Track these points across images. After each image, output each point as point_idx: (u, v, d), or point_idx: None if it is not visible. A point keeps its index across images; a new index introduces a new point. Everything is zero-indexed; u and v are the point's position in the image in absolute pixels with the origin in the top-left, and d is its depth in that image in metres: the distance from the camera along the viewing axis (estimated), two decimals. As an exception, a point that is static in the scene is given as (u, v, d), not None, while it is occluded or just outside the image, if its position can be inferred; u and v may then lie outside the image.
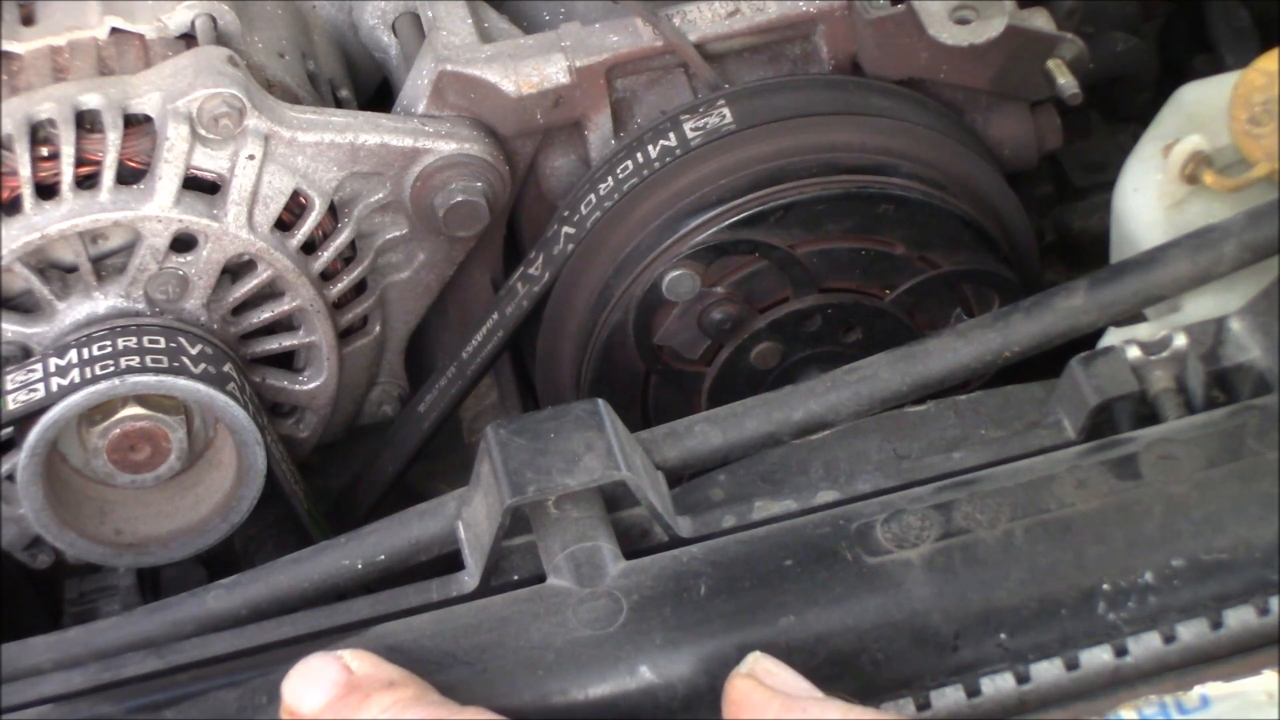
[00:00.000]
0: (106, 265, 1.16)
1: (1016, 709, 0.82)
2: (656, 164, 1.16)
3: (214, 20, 1.22)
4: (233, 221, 1.15)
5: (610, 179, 1.18)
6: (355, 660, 0.79)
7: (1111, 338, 1.05)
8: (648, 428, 0.95)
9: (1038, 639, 0.82)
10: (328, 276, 1.21)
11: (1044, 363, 0.99)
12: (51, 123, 1.13)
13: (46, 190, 1.13)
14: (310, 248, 1.19)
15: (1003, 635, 0.82)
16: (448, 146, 1.18)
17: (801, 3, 1.22)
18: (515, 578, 0.87)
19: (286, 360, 1.24)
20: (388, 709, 0.77)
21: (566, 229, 1.19)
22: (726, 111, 1.17)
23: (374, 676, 0.79)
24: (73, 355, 1.11)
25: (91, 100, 1.13)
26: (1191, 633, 0.82)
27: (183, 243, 1.15)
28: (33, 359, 1.13)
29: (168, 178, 1.13)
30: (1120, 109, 1.47)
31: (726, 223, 1.14)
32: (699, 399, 1.20)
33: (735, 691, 0.77)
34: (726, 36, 1.22)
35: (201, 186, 1.15)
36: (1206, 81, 1.17)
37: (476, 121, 1.20)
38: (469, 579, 0.87)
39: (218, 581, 0.92)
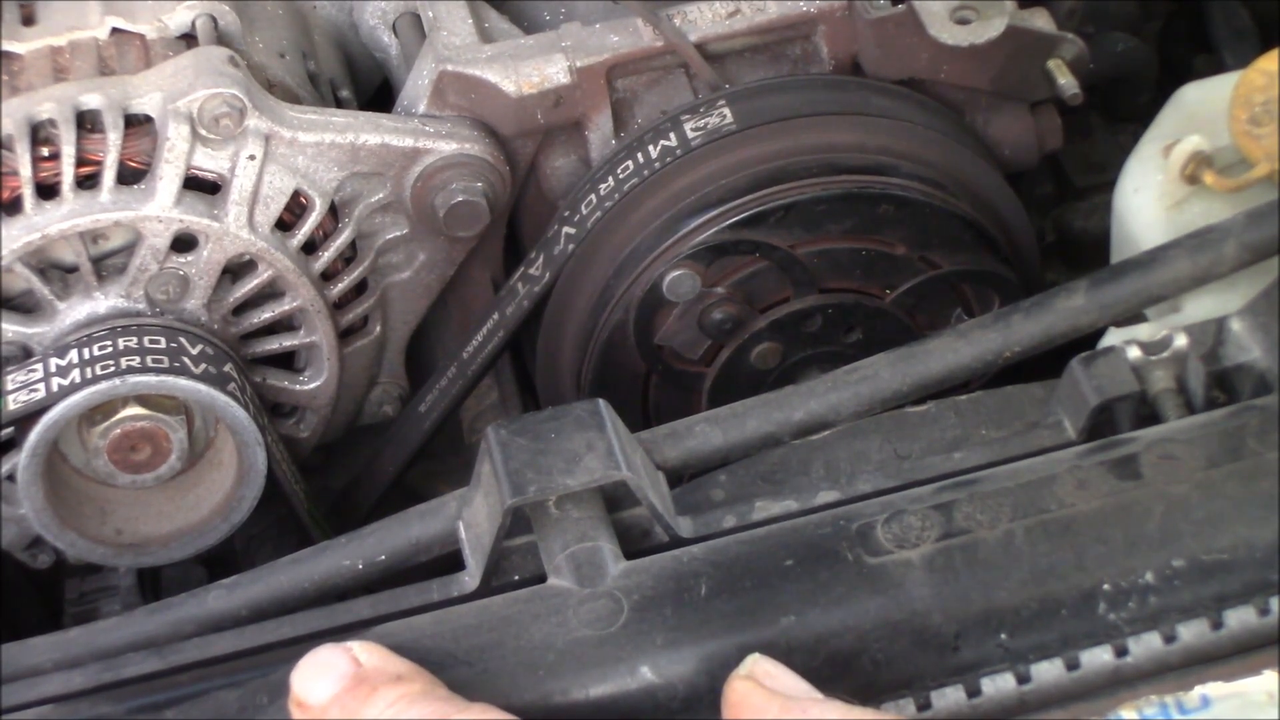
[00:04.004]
0: (107, 265, 1.16)
1: (1017, 709, 0.82)
2: (657, 164, 1.16)
3: (214, 20, 1.22)
4: (233, 222, 1.15)
5: (611, 179, 1.18)
6: (364, 653, 0.79)
7: (1112, 338, 1.05)
8: (648, 428, 0.95)
9: (1038, 639, 0.82)
10: (328, 277, 1.21)
11: (1044, 363, 0.99)
12: (52, 123, 1.13)
13: (47, 190, 1.13)
14: (311, 248, 1.19)
15: (1003, 635, 0.82)
16: (448, 147, 1.18)
17: (802, 3, 1.22)
18: (516, 578, 0.87)
19: (287, 360, 1.24)
20: (394, 703, 0.77)
21: (567, 229, 1.19)
22: (727, 112, 1.17)
23: (382, 670, 0.79)
24: (73, 355, 1.11)
25: (92, 100, 1.14)
26: (1192, 633, 0.82)
27: (183, 243, 1.15)
28: (33, 359, 1.13)
29: (168, 178, 1.13)
30: (1120, 109, 1.47)
31: (727, 223, 1.14)
32: (699, 399, 1.20)
33: (734, 694, 0.77)
34: (727, 36, 1.22)
35: (202, 187, 1.15)
36: (1206, 81, 1.17)
37: (477, 122, 1.20)
38: (469, 579, 0.87)
39: (218, 582, 0.92)
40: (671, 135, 1.17)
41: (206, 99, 1.13)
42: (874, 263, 1.16)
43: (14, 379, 1.11)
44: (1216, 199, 1.08)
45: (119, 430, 1.13)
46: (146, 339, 1.12)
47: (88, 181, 1.13)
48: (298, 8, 1.33)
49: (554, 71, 1.19)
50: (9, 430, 1.12)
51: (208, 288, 1.17)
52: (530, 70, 1.19)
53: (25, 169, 1.12)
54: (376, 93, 1.38)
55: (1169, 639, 0.82)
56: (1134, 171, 1.13)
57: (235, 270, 1.18)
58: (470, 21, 1.24)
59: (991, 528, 0.84)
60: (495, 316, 1.22)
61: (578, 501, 0.86)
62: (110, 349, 1.11)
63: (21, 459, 1.11)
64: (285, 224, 1.18)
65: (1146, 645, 0.82)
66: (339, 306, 1.22)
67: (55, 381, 1.10)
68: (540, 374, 1.25)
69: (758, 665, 0.78)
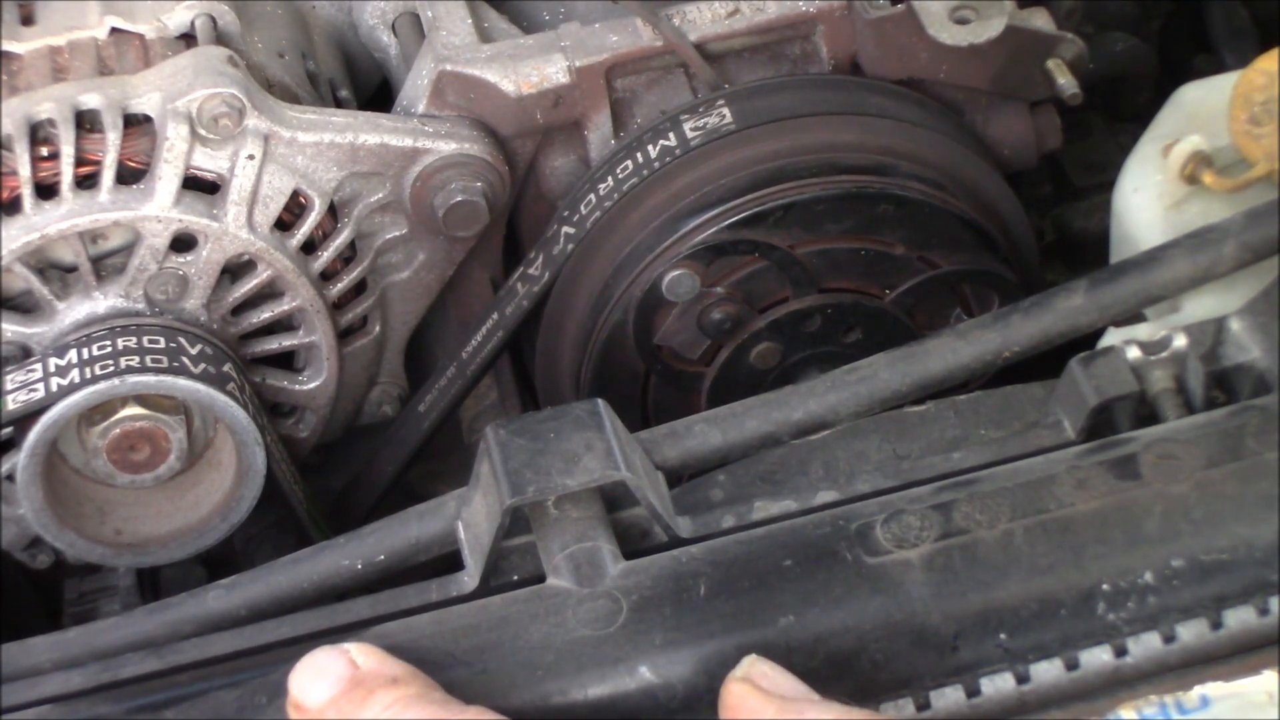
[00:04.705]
0: (106, 265, 1.16)
1: (1016, 709, 0.81)
2: (656, 164, 1.16)
3: (214, 20, 1.22)
4: (232, 221, 1.15)
5: (610, 179, 1.18)
6: (361, 655, 0.80)
7: (1111, 338, 1.05)
8: (647, 428, 0.95)
9: (1037, 639, 0.82)
10: (327, 276, 1.21)
11: (1044, 363, 0.99)
12: (51, 123, 1.13)
13: (46, 190, 1.13)
14: (310, 248, 1.19)
15: (1002, 635, 0.82)
16: (447, 146, 1.18)
17: (801, 3, 1.22)
18: (515, 578, 0.87)
19: (286, 360, 1.24)
20: (390, 706, 0.77)
21: (566, 229, 1.19)
22: (726, 111, 1.17)
23: (378, 672, 0.79)
24: (72, 355, 1.11)
25: (91, 100, 1.13)
26: (1191, 633, 0.82)
27: (182, 243, 1.15)
28: (32, 359, 1.13)
29: (167, 178, 1.13)
30: (1120, 109, 1.47)
31: (726, 223, 1.14)
32: (699, 399, 1.20)
33: (731, 696, 0.78)
34: (726, 36, 1.22)
35: (201, 186, 1.15)
36: (1206, 81, 1.17)
37: (476, 121, 1.20)
38: (469, 579, 0.87)
39: (217, 582, 0.92)
40: (671, 135, 1.17)
41: (205, 99, 1.13)
42: (873, 262, 1.16)
43: (13, 379, 1.11)
44: (1216, 199, 1.08)
45: (118, 430, 1.13)
46: (145, 339, 1.12)
47: (87, 181, 1.13)
48: (297, 8, 1.33)
49: (553, 71, 1.19)
50: (8, 430, 1.12)
51: (207, 288, 1.17)
52: (529, 70, 1.19)
53: (24, 169, 1.12)
54: (376, 93, 1.38)
55: (1168, 639, 0.82)
56: (1133, 171, 1.13)
57: (234, 270, 1.18)
58: (469, 21, 1.24)
59: (991, 528, 0.84)
60: (494, 316, 1.22)
61: (576, 501, 0.86)
62: (109, 349, 1.11)
63: (21, 459, 1.11)
64: (284, 224, 1.18)
65: (1146, 645, 0.82)
66: (338, 306, 1.22)
67: (54, 381, 1.10)
68: (539, 374, 1.25)
69: (754, 667, 0.78)
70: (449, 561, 0.91)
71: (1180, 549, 0.83)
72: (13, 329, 1.15)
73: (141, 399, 1.12)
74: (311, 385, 1.23)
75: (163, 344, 1.12)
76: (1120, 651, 0.82)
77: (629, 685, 0.80)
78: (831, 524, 0.85)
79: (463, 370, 1.23)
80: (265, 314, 1.20)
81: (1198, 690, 0.79)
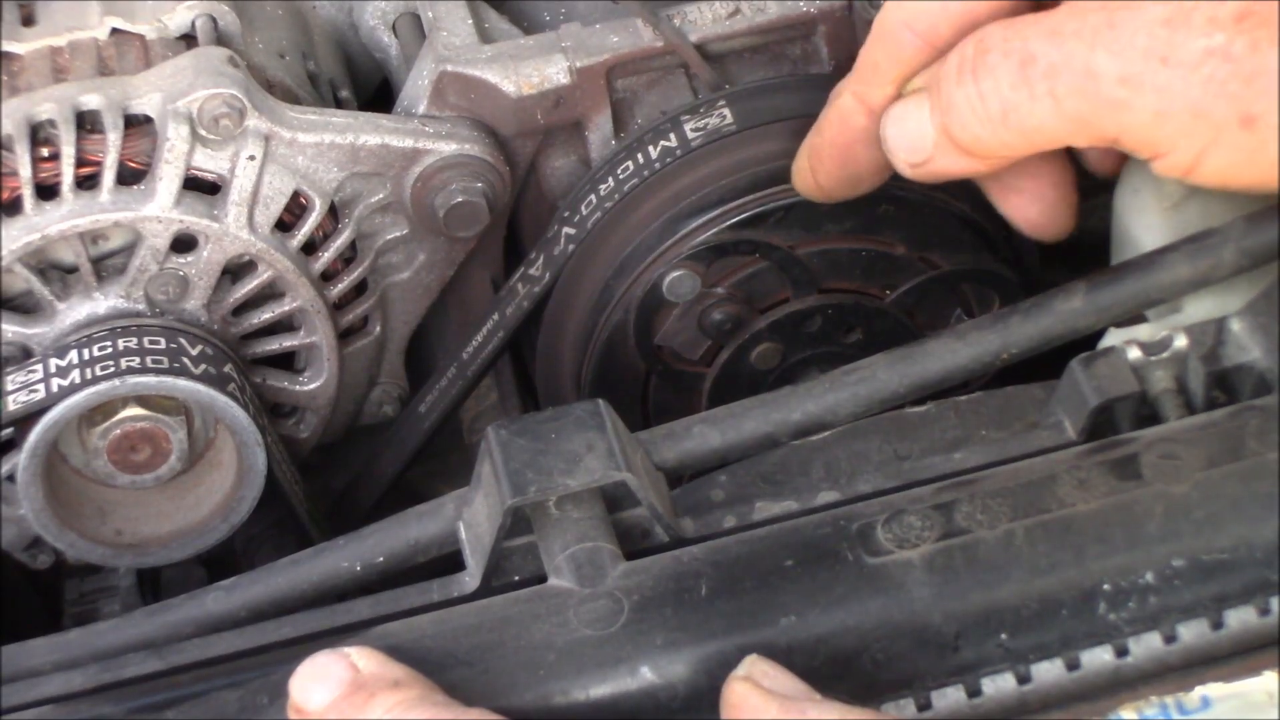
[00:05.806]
0: (107, 266, 1.16)
1: (1017, 709, 0.82)
2: (657, 164, 1.16)
3: (214, 21, 1.22)
4: (233, 222, 1.15)
5: (611, 179, 1.18)
6: (362, 659, 0.80)
7: (1112, 338, 1.05)
8: (648, 428, 0.95)
9: (1039, 639, 0.82)
10: (328, 277, 1.21)
11: (1045, 364, 0.99)
12: (52, 123, 1.13)
13: (47, 191, 1.12)
14: (311, 248, 1.19)
15: (1004, 635, 0.82)
16: (448, 147, 1.18)
17: (802, 3, 1.22)
18: (516, 578, 0.87)
19: (287, 361, 1.24)
20: (391, 709, 0.77)
21: (567, 229, 1.19)
22: (727, 112, 1.17)
23: (380, 676, 0.79)
24: (73, 356, 1.11)
25: (91, 101, 1.13)
26: (1192, 633, 0.82)
27: (183, 243, 1.15)
28: (33, 360, 1.13)
29: (168, 178, 1.13)
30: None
31: (727, 223, 1.14)
32: (699, 399, 1.20)
33: (733, 695, 0.78)
34: (727, 37, 1.22)
35: (202, 187, 1.15)
36: (1207, 82, 1.17)
37: (477, 122, 1.20)
38: (470, 579, 0.87)
39: (217, 583, 0.92)
40: (671, 135, 1.17)
41: (206, 99, 1.13)
42: (874, 263, 1.16)
43: (14, 379, 1.11)
44: (1215, 200, 1.08)
45: (119, 431, 1.13)
46: (146, 339, 1.12)
47: (87, 182, 1.13)
48: (297, 8, 1.33)
49: (554, 72, 1.19)
50: (9, 431, 1.12)
51: (207, 288, 1.17)
52: (530, 70, 1.19)
53: (25, 169, 1.12)
54: (376, 93, 1.38)
55: (1169, 639, 0.82)
56: (1134, 171, 1.13)
57: (235, 271, 1.18)
58: (470, 22, 1.24)
59: (992, 528, 0.84)
60: (495, 317, 1.22)
61: (578, 502, 0.86)
62: (110, 350, 1.11)
63: (21, 459, 1.11)
64: (285, 224, 1.18)
65: (1147, 645, 0.82)
66: (339, 307, 1.22)
67: (55, 382, 1.10)
68: (540, 374, 1.25)
69: (755, 666, 0.78)
70: (450, 562, 0.91)
71: (1181, 549, 0.83)
72: (13, 329, 1.15)
73: (142, 400, 1.12)
74: (312, 386, 1.23)
75: (163, 345, 1.12)
76: (1121, 651, 0.82)
77: (630, 685, 0.80)
78: (833, 524, 0.85)
79: (463, 371, 1.23)
80: (266, 315, 1.20)
81: (1198, 690, 0.80)
